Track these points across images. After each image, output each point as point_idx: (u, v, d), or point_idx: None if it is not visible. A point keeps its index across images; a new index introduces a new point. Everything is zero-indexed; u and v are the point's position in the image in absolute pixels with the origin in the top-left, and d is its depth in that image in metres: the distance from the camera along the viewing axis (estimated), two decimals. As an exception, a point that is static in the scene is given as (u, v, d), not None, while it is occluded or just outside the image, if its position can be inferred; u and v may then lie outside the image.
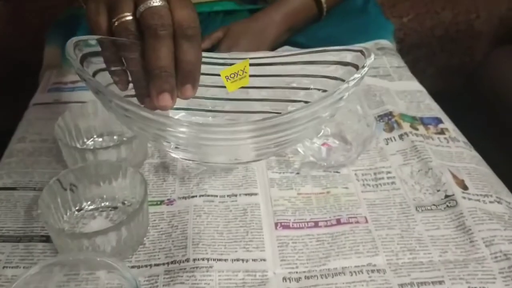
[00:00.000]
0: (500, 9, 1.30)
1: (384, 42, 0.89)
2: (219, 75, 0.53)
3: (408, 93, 0.75)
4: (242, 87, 0.55)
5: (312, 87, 0.54)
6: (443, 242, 0.52)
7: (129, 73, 0.46)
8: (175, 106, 0.43)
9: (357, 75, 0.47)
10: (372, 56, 0.49)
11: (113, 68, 0.46)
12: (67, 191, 0.53)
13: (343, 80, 0.45)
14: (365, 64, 0.48)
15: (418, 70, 1.11)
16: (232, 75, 0.50)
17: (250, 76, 0.52)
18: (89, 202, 0.55)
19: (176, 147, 0.44)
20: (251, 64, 0.53)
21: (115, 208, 0.55)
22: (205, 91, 0.54)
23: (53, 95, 0.74)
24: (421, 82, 0.81)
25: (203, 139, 0.40)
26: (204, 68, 0.45)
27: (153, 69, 0.42)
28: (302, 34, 0.86)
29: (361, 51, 0.51)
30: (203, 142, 0.41)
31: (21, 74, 1.14)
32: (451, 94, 1.29)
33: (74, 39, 0.44)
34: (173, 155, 0.49)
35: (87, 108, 0.63)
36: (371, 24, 0.91)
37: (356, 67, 0.50)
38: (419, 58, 1.29)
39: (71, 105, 0.71)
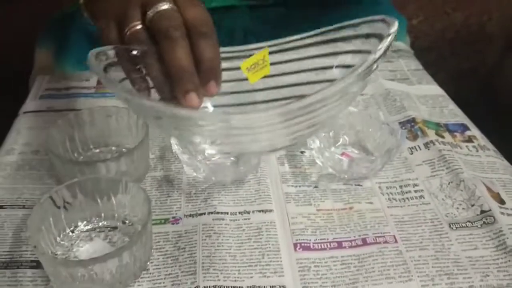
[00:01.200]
0: (512, 10, 1.25)
1: (399, 44, 0.84)
2: (237, 68, 0.48)
3: (429, 97, 0.70)
4: (264, 77, 0.51)
5: (335, 64, 0.49)
6: (483, 265, 0.46)
7: (150, 80, 0.44)
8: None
9: (383, 44, 0.42)
10: (396, 24, 0.44)
11: (133, 76, 0.44)
12: (61, 209, 0.47)
13: (367, 53, 0.41)
14: (390, 32, 0.43)
15: (428, 74, 1.06)
16: (253, 66, 0.48)
17: (270, 64, 0.50)
18: (85, 222, 0.49)
19: (212, 142, 0.42)
20: (269, 52, 0.50)
21: (114, 228, 0.49)
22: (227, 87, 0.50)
23: (45, 102, 0.68)
24: None
25: (237, 128, 0.38)
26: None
27: (174, 71, 0.41)
28: (306, 25, 0.80)
29: (382, 20, 0.46)
30: (237, 131, 0.39)
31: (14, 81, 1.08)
32: (464, 98, 1.24)
33: (94, 51, 0.42)
34: (208, 151, 0.49)
35: (82, 116, 0.57)
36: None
37: (380, 36, 0.44)
38: (429, 62, 1.23)
39: (65, 113, 0.65)
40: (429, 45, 1.21)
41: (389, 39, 0.42)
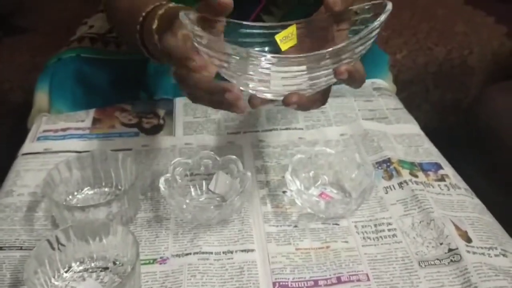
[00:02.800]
0: (493, 44, 1.30)
1: (380, 82, 0.88)
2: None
3: (406, 136, 0.74)
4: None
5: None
6: (449, 301, 0.50)
7: None
8: None
9: (384, 15, 0.49)
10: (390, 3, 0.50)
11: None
12: (55, 251, 0.51)
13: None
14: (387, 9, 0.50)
15: (413, 106, 1.10)
16: (284, 38, 0.58)
17: None
18: (78, 263, 0.53)
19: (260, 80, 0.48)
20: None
21: (105, 268, 0.52)
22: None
23: (42, 144, 0.72)
24: (416, 118, 0.79)
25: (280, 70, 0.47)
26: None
27: None
28: None
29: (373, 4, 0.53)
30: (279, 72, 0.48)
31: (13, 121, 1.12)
32: (447, 130, 1.29)
33: (183, 14, 0.48)
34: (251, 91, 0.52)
35: (76, 159, 0.61)
36: (365, 54, 0.87)
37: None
38: (413, 95, 1.28)
39: (61, 155, 0.69)
40: (413, 78, 1.26)
41: (387, 10, 0.49)
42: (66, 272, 0.52)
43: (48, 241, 0.50)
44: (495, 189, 1.00)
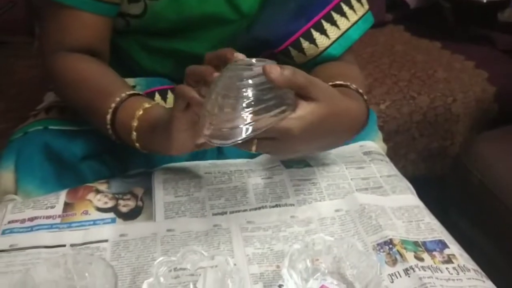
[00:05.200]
0: (475, 90, 1.29)
1: (370, 145, 0.84)
2: None
3: (405, 210, 0.69)
4: None
5: None
6: None
7: None
8: None
9: None
10: None
11: None
12: None
13: None
14: None
15: (399, 156, 1.07)
16: None
17: None
18: None
19: None
20: None
21: None
22: None
23: (8, 239, 0.64)
24: (403, 167, 0.76)
25: None
26: None
27: None
28: None
29: None
30: None
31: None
32: (436, 179, 1.25)
33: None
34: None
35: (47, 262, 0.54)
36: None
37: None
38: (399, 144, 1.25)
39: (29, 253, 0.62)
40: (398, 128, 1.23)
41: None
42: None
43: None
44: (489, 239, 0.97)
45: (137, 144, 0.67)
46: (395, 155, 0.83)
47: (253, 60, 0.55)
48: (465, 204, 1.14)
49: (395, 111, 1.22)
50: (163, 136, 0.63)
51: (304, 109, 0.56)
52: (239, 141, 0.52)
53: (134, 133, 0.66)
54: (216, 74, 0.56)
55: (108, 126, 0.69)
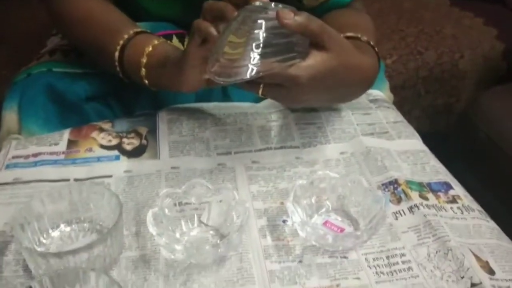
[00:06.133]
0: (483, 47, 1.27)
1: (376, 93, 0.83)
2: None
3: (410, 153, 0.69)
4: None
5: None
6: None
7: None
8: None
9: None
10: None
11: None
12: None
13: None
14: None
15: (404, 112, 1.06)
16: None
17: None
18: (55, 319, 0.46)
19: None
20: None
21: (87, 323, 0.46)
22: None
23: (12, 173, 0.64)
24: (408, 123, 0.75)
25: None
26: None
27: None
28: None
29: None
30: None
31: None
32: (440, 135, 1.25)
33: None
34: None
35: (50, 192, 0.54)
36: None
37: None
38: (404, 100, 1.24)
39: (33, 186, 0.62)
40: (404, 83, 1.22)
41: None
42: (41, 329, 0.45)
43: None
44: (498, 201, 0.96)
45: (146, 81, 0.66)
46: (399, 111, 0.82)
47: (272, 4, 0.54)
48: (471, 160, 1.13)
49: (401, 66, 1.20)
50: (174, 72, 0.62)
51: (315, 58, 0.55)
52: (243, 80, 0.52)
53: (143, 70, 0.65)
54: (235, 12, 0.55)
55: (116, 63, 0.68)
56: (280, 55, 0.53)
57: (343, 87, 0.61)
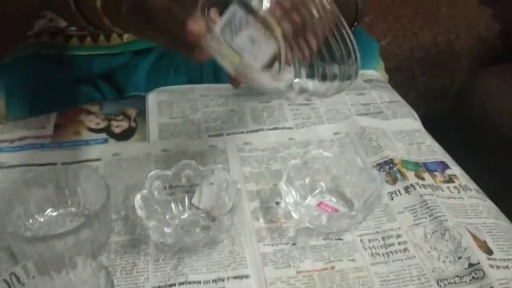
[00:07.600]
0: (479, 28, 1.25)
1: (371, 73, 0.81)
2: None
3: (406, 133, 0.67)
4: None
5: None
6: (476, 327, 0.43)
7: None
8: None
9: None
10: None
11: None
12: (13, 291, 0.42)
13: None
14: None
15: (399, 94, 1.04)
16: None
17: None
18: (41, 305, 0.44)
19: None
20: None
21: (74, 309, 0.44)
22: None
23: (-3, 157, 0.62)
24: None
25: None
26: None
27: None
28: None
29: None
30: None
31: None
32: (435, 117, 1.23)
33: None
34: None
35: (36, 175, 0.53)
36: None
37: None
38: (399, 82, 1.22)
39: (18, 170, 0.60)
40: (398, 65, 1.20)
41: None
42: (27, 316, 0.43)
43: (5, 281, 0.41)
44: (497, 182, 0.95)
45: (106, 21, 0.53)
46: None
47: None
48: (467, 140, 1.12)
49: (396, 48, 1.19)
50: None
51: None
52: None
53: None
54: None
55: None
56: None
57: None
